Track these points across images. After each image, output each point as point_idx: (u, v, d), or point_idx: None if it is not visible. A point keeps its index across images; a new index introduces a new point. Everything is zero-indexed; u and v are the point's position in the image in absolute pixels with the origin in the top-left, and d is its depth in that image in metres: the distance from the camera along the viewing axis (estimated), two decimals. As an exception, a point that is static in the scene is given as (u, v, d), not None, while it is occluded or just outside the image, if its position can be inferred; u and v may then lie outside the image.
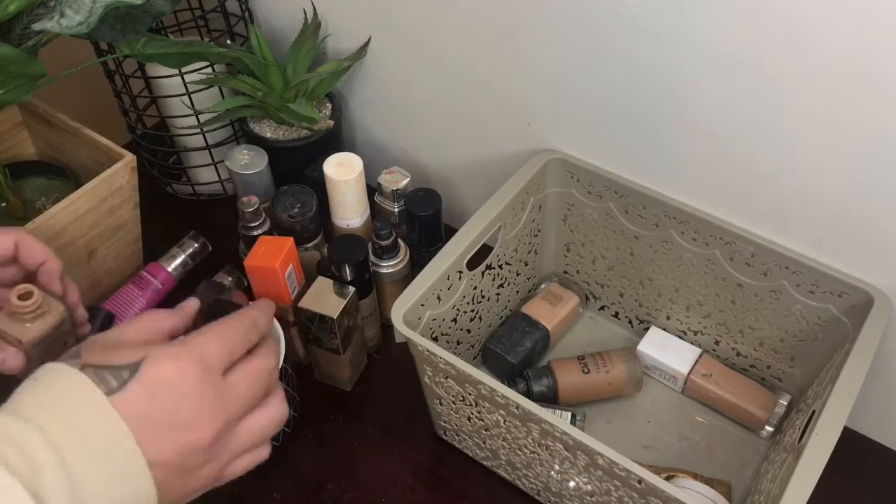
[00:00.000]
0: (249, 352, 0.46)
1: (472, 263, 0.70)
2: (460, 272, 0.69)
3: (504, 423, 0.62)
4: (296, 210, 0.76)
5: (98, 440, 0.38)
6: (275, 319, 0.70)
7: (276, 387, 0.48)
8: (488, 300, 0.77)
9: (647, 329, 0.79)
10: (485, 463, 0.72)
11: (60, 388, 0.39)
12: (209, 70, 0.85)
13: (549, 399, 0.74)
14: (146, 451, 0.39)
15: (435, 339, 0.70)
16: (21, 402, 0.38)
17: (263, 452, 0.47)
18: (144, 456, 0.38)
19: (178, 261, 0.84)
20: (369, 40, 0.84)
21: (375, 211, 0.85)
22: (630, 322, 0.82)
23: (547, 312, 0.80)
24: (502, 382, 0.60)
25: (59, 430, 0.37)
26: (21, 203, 0.79)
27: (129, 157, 0.76)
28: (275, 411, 0.47)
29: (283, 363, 0.67)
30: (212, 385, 0.42)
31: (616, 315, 0.83)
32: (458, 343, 0.75)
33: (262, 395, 0.46)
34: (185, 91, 0.85)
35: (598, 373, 0.74)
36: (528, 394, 0.74)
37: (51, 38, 0.66)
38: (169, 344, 0.43)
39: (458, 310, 0.72)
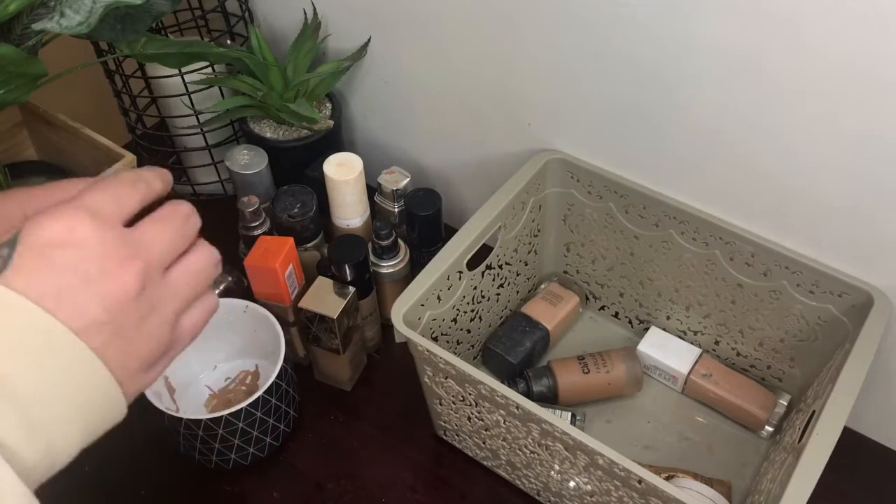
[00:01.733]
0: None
1: (472, 263, 0.70)
2: (460, 272, 0.69)
3: (504, 423, 0.62)
4: (296, 210, 0.76)
5: (8, 331, 0.32)
6: (274, 319, 0.71)
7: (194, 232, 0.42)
8: (488, 300, 0.77)
9: (647, 329, 0.79)
10: (485, 463, 0.72)
11: None
12: (209, 70, 0.85)
13: (549, 399, 0.74)
14: (64, 318, 0.32)
15: (435, 339, 0.70)
16: None
17: (211, 300, 0.41)
18: (64, 323, 0.32)
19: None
20: (369, 40, 0.84)
21: (375, 211, 0.85)
22: (630, 322, 0.82)
23: (547, 312, 0.80)
24: (502, 382, 0.60)
25: None
26: (21, 203, 0.79)
27: (129, 157, 0.76)
28: (202, 252, 0.41)
29: (283, 363, 0.68)
30: (111, 230, 0.36)
31: (616, 315, 0.83)
32: (458, 343, 0.75)
33: (175, 241, 0.40)
34: (185, 91, 0.85)
35: (598, 373, 0.74)
36: (528, 394, 0.74)
37: (51, 38, 0.66)
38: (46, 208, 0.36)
39: (458, 310, 0.72)
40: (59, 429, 0.33)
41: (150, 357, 0.37)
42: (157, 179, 0.42)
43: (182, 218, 0.41)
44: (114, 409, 0.35)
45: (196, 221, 0.42)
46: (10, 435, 0.31)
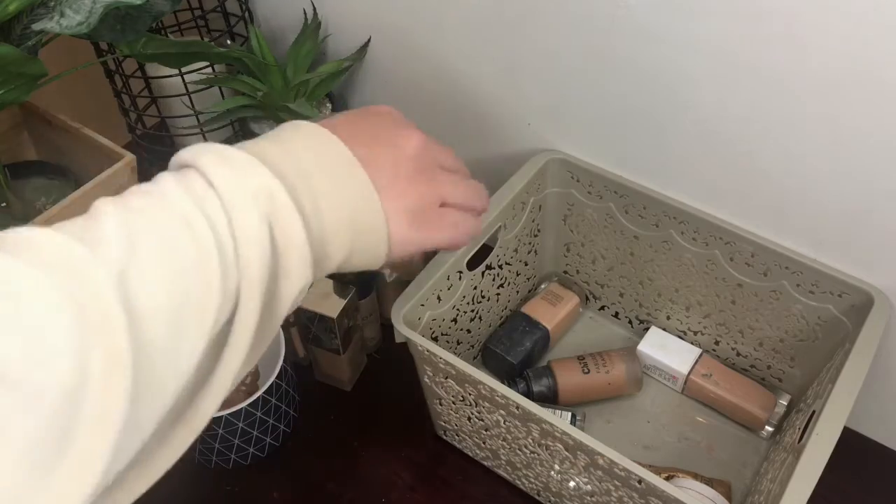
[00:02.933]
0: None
1: (472, 263, 0.70)
2: (460, 272, 0.69)
3: (504, 423, 0.62)
4: (296, 210, 0.76)
5: (324, 156, 0.41)
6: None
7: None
8: (488, 300, 0.77)
9: (647, 329, 0.79)
10: (485, 463, 0.72)
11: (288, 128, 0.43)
12: (209, 70, 0.85)
13: (549, 399, 0.74)
14: (352, 147, 0.41)
15: (435, 339, 0.70)
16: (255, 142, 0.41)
17: (476, 223, 0.49)
18: (347, 146, 0.41)
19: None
20: (369, 40, 0.84)
21: (375, 211, 0.84)
22: (630, 322, 0.82)
23: (547, 312, 0.80)
24: (502, 382, 0.60)
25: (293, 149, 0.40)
26: (21, 203, 0.79)
27: (129, 157, 0.76)
28: (476, 184, 0.50)
29: (282, 363, 0.68)
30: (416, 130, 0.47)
31: (616, 315, 0.83)
32: (458, 343, 0.75)
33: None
34: (185, 91, 0.85)
35: (598, 373, 0.74)
36: (528, 394, 0.74)
37: (51, 38, 0.66)
38: None
39: (458, 310, 0.72)
40: (333, 229, 0.40)
41: (415, 208, 0.44)
42: (479, 194, 0.51)
43: (476, 184, 0.50)
44: (377, 246, 0.42)
45: (485, 199, 0.51)
46: (306, 207, 0.38)
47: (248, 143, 0.40)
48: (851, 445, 0.64)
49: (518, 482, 0.70)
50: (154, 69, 0.85)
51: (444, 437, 0.74)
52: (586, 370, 0.74)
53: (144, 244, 0.32)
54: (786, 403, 0.73)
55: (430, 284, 0.65)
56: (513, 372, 0.76)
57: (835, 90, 0.56)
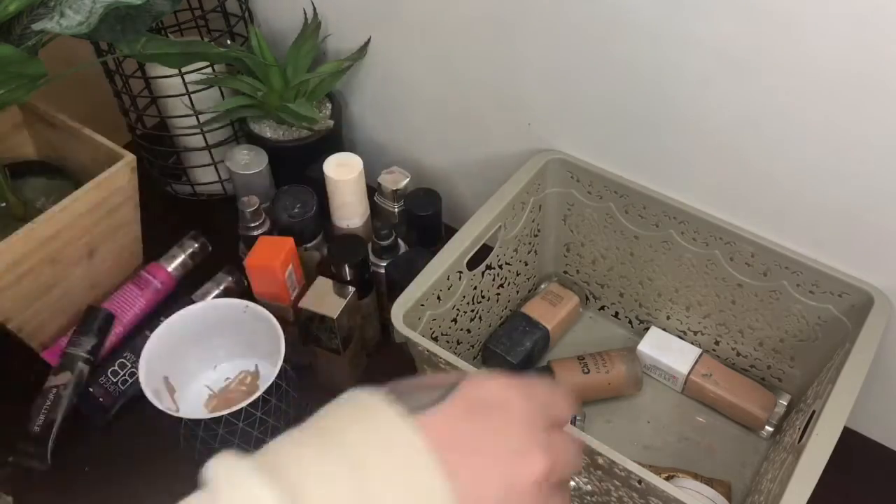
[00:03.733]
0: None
1: (472, 263, 0.70)
2: (460, 272, 0.69)
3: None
4: (296, 210, 0.76)
5: (395, 458, 0.31)
6: (274, 319, 0.71)
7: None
8: (488, 300, 0.77)
9: (647, 329, 0.79)
10: (485, 463, 0.72)
11: (358, 405, 0.34)
12: (209, 70, 0.85)
13: (549, 399, 0.74)
14: (461, 482, 0.31)
15: (435, 339, 0.70)
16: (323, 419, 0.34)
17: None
18: (455, 489, 0.30)
19: (178, 261, 0.84)
20: (369, 40, 0.84)
21: (375, 211, 0.85)
22: (630, 322, 0.82)
23: (547, 312, 0.80)
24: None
25: (359, 447, 0.31)
26: (21, 203, 0.79)
27: (129, 157, 0.76)
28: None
29: (282, 363, 0.68)
30: (537, 409, 0.35)
31: (616, 315, 0.83)
32: (458, 343, 0.75)
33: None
34: (185, 91, 0.85)
35: (598, 373, 0.74)
36: (528, 394, 0.74)
37: (51, 38, 0.66)
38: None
39: (458, 310, 0.72)
40: None
41: None
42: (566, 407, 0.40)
43: (579, 449, 0.39)
44: None
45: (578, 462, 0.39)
46: None
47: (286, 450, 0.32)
48: (851, 445, 0.64)
49: (518, 482, 0.70)
50: (154, 69, 0.85)
51: (444, 437, 0.74)
52: (586, 370, 0.74)
53: None
54: (786, 403, 0.73)
55: (431, 284, 0.65)
56: (513, 372, 0.76)
57: (835, 90, 0.56)
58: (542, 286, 0.85)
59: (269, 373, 0.68)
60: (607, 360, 0.75)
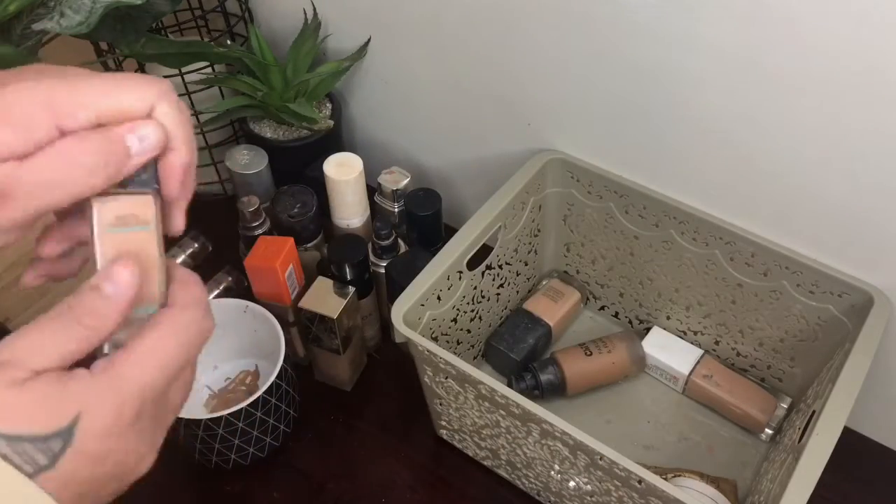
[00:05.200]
0: None
1: (472, 263, 0.70)
2: (460, 272, 0.69)
3: (504, 423, 0.62)
4: (296, 210, 0.76)
5: None
6: (274, 319, 0.71)
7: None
8: (488, 300, 0.77)
9: (647, 329, 0.79)
10: (485, 463, 0.72)
11: None
12: (209, 70, 0.85)
13: (558, 388, 0.74)
14: None
15: (435, 339, 0.70)
16: None
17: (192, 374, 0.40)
18: None
19: (179, 261, 0.84)
20: (369, 40, 0.84)
21: (375, 211, 0.85)
22: (630, 322, 0.82)
23: (549, 309, 0.80)
24: (506, 379, 0.60)
25: None
26: (21, 203, 0.79)
27: (130, 157, 0.76)
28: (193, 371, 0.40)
29: (283, 363, 0.68)
30: (153, 406, 0.36)
31: (616, 315, 0.83)
32: (459, 343, 0.75)
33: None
34: (185, 91, 0.85)
35: (601, 353, 0.75)
36: (537, 386, 0.74)
37: (51, 38, 0.66)
38: (96, 380, 0.33)
39: (458, 310, 0.72)
40: None
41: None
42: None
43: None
44: None
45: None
46: None
47: None
48: (851, 445, 0.64)
49: (518, 482, 0.70)
50: (154, 69, 0.85)
51: (444, 437, 0.74)
52: (588, 353, 0.75)
53: None
54: (786, 406, 0.73)
55: (431, 284, 0.65)
56: (516, 368, 0.76)
57: (835, 90, 0.56)
58: (544, 283, 0.85)
59: (269, 373, 0.68)
60: (608, 343, 0.76)
